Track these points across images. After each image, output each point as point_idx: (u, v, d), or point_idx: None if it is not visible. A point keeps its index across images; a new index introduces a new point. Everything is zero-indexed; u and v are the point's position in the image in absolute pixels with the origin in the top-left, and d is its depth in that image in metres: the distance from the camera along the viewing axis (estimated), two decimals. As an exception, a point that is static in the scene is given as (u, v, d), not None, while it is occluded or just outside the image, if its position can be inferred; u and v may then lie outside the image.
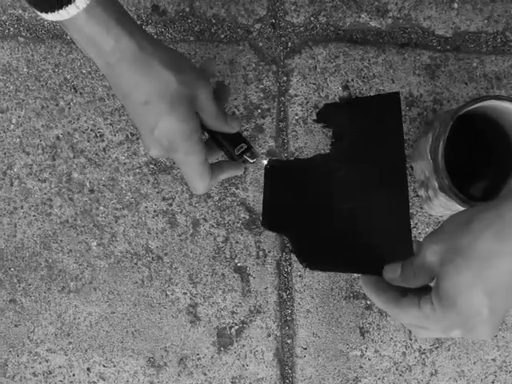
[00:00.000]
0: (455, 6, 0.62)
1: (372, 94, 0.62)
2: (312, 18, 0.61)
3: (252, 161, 0.55)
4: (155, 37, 0.61)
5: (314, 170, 0.59)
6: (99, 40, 0.44)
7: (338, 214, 0.57)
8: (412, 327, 0.42)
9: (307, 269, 0.61)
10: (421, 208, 0.62)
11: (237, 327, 0.62)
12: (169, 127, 0.46)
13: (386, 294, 0.43)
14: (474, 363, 0.62)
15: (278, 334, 0.62)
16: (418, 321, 0.41)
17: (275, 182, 0.59)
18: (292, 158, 0.61)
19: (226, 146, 0.53)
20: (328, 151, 0.60)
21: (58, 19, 0.43)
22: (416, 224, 0.62)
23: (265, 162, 0.59)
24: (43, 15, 0.43)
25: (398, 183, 0.53)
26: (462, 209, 0.52)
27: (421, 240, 0.42)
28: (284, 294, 0.62)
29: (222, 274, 0.62)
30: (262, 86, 0.62)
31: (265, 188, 0.59)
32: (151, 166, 0.62)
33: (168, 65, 0.46)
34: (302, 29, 0.62)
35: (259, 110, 0.62)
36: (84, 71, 0.62)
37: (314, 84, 0.61)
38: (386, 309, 0.43)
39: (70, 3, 0.41)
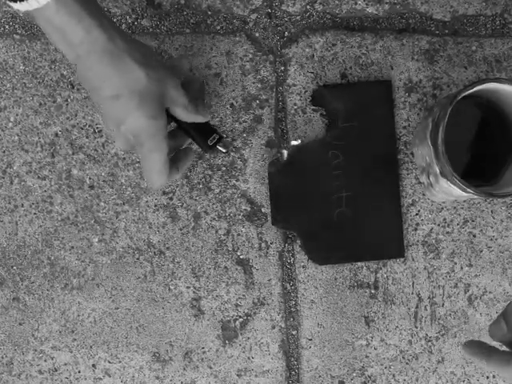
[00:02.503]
0: (453, -11, 0.61)
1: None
2: (308, 7, 0.61)
3: (225, 150, 0.56)
4: (151, 30, 0.61)
5: (313, 160, 0.60)
6: (69, 31, 0.43)
7: (337, 203, 0.60)
8: None
9: (318, 264, 0.61)
10: (423, 195, 0.61)
11: (241, 320, 0.62)
12: (136, 123, 0.46)
13: (496, 356, 0.43)
14: (481, 349, 0.61)
15: (283, 325, 0.62)
16: None
17: (279, 180, 0.60)
18: (290, 147, 0.61)
19: (197, 138, 0.54)
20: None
21: (27, 9, 0.42)
22: (419, 211, 0.61)
23: (285, 152, 0.60)
24: (12, 4, 0.42)
25: (391, 175, 0.60)
26: (463, 194, 0.52)
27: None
28: (288, 285, 0.62)
29: (225, 267, 0.62)
30: (259, 77, 0.61)
31: (270, 190, 0.60)
32: (151, 161, 0.61)
33: (139, 61, 0.45)
34: (298, 17, 0.61)
35: (257, 101, 0.61)
36: (80, 67, 0.61)
37: (312, 73, 0.61)
38: (500, 370, 0.42)
39: None
